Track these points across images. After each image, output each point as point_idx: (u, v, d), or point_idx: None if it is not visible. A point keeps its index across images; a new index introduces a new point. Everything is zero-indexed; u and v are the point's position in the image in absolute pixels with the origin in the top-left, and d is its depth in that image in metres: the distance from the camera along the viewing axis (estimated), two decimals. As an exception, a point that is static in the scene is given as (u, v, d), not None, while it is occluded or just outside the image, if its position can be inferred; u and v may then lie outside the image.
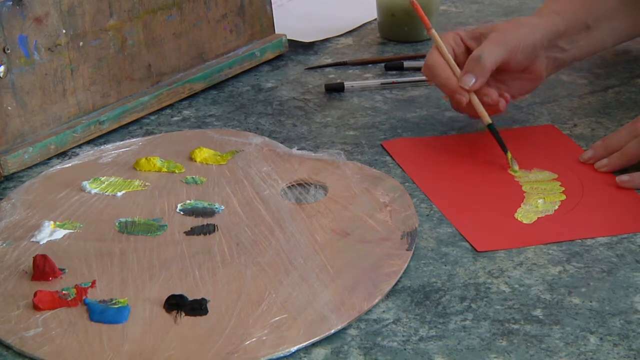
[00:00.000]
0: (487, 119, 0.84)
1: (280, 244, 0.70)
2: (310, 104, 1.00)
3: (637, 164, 0.80)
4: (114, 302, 0.64)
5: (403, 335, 0.60)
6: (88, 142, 0.91)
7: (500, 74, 0.86)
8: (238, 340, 0.59)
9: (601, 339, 0.59)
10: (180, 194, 0.79)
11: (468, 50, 0.87)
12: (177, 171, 0.83)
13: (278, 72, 1.09)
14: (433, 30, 0.88)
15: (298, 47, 1.15)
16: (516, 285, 0.65)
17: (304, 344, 0.59)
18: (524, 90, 0.90)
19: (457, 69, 0.85)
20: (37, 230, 0.73)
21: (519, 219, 0.74)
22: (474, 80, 0.83)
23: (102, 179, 0.81)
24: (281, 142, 0.88)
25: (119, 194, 0.79)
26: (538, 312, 0.62)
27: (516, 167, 0.82)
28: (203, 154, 0.85)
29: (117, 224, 0.74)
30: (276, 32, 1.12)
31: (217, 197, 0.78)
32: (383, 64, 1.10)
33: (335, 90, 1.03)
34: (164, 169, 0.83)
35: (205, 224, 0.74)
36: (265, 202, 0.77)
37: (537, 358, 0.58)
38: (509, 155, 0.82)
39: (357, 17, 1.26)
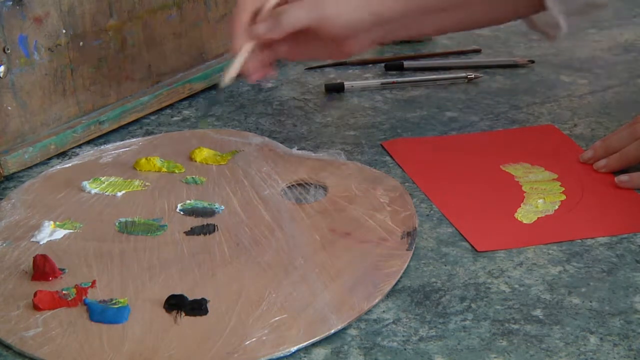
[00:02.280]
0: (226, 81, 0.78)
1: (280, 244, 0.70)
2: (310, 104, 1.00)
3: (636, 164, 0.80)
4: (114, 302, 0.64)
5: (403, 335, 0.60)
6: (88, 142, 0.91)
7: (304, 34, 0.79)
8: (238, 340, 0.59)
9: (601, 339, 0.59)
10: (180, 194, 0.79)
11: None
12: (177, 171, 0.83)
13: (278, 72, 1.09)
14: None
15: (298, 47, 1.15)
16: (516, 285, 0.65)
17: (304, 344, 0.59)
18: (325, 56, 0.84)
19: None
20: (37, 230, 0.73)
21: (519, 219, 0.74)
22: (263, 30, 0.77)
23: (102, 179, 0.81)
24: (281, 142, 0.88)
25: (119, 194, 0.79)
26: (538, 312, 0.62)
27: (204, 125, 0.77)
28: (203, 154, 0.85)
29: (117, 224, 0.74)
30: (276, 32, 1.12)
31: (217, 197, 0.78)
32: (383, 64, 1.10)
33: (335, 90, 1.03)
34: (164, 169, 0.83)
35: (205, 224, 0.74)
36: (265, 202, 0.77)
37: (537, 358, 0.58)
38: (203, 122, 0.78)
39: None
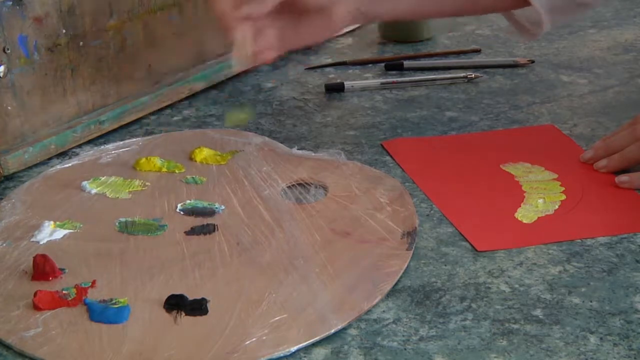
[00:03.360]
0: (241, 62, 0.78)
1: (280, 244, 0.70)
2: (310, 103, 1.00)
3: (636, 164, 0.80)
4: (114, 302, 0.64)
5: (403, 335, 0.60)
6: (88, 142, 0.91)
7: (289, 13, 0.79)
8: (238, 340, 0.59)
9: (601, 338, 0.59)
10: (180, 194, 0.79)
11: None
12: (177, 171, 0.83)
13: (278, 72, 1.09)
14: None
15: (298, 47, 1.15)
16: (516, 285, 0.65)
17: (304, 343, 0.59)
18: (315, 36, 0.82)
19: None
20: (37, 230, 0.73)
21: (519, 218, 0.74)
22: (250, 9, 0.76)
23: (102, 178, 0.81)
24: (281, 142, 0.88)
25: (121, 197, 0.79)
26: (538, 312, 0.62)
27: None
28: (203, 153, 0.85)
29: (117, 223, 0.74)
30: (276, 32, 1.12)
31: (217, 197, 0.78)
32: (383, 64, 1.10)
33: (335, 90, 1.03)
34: (164, 169, 0.83)
35: (205, 223, 0.74)
36: (265, 202, 0.77)
37: (537, 358, 0.58)
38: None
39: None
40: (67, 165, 0.85)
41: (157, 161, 0.84)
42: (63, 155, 0.89)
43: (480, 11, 0.92)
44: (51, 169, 0.84)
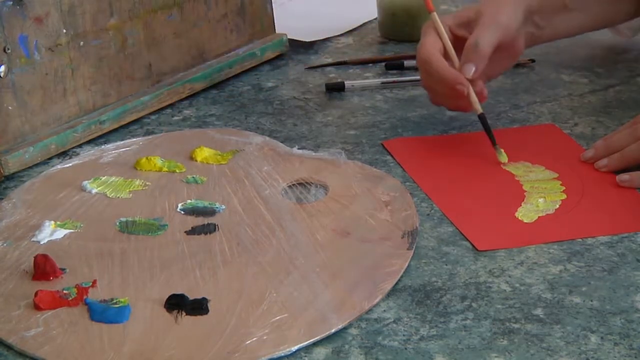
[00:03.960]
0: (480, 109, 0.84)
1: (281, 244, 0.70)
2: (310, 103, 1.00)
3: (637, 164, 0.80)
4: (114, 301, 0.64)
5: (404, 335, 0.60)
6: (89, 142, 0.91)
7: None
8: (239, 340, 0.59)
9: (602, 338, 0.59)
10: (180, 194, 0.79)
11: (456, 40, 0.87)
12: (177, 171, 0.83)
13: (278, 72, 1.09)
14: (434, 14, 0.87)
15: (298, 47, 1.15)
16: (517, 285, 0.65)
17: (305, 343, 0.59)
18: (502, 68, 0.90)
19: (456, 58, 0.85)
20: (38, 230, 0.73)
21: (519, 218, 0.74)
22: (474, 69, 0.83)
23: (103, 178, 0.81)
24: (282, 142, 0.88)
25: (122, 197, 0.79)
26: (539, 312, 0.62)
27: (504, 159, 0.82)
28: (204, 153, 0.85)
29: (117, 223, 0.74)
30: (276, 31, 1.12)
31: (218, 197, 0.78)
32: (383, 64, 1.10)
33: (335, 89, 1.03)
34: (165, 169, 0.83)
35: (205, 223, 0.74)
36: (265, 201, 0.77)
37: (537, 357, 0.58)
38: (497, 147, 0.83)
39: (358, 16, 1.26)
40: (67, 165, 0.85)
41: (157, 161, 0.84)
42: (63, 155, 0.89)
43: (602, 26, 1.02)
44: (52, 169, 0.84)
